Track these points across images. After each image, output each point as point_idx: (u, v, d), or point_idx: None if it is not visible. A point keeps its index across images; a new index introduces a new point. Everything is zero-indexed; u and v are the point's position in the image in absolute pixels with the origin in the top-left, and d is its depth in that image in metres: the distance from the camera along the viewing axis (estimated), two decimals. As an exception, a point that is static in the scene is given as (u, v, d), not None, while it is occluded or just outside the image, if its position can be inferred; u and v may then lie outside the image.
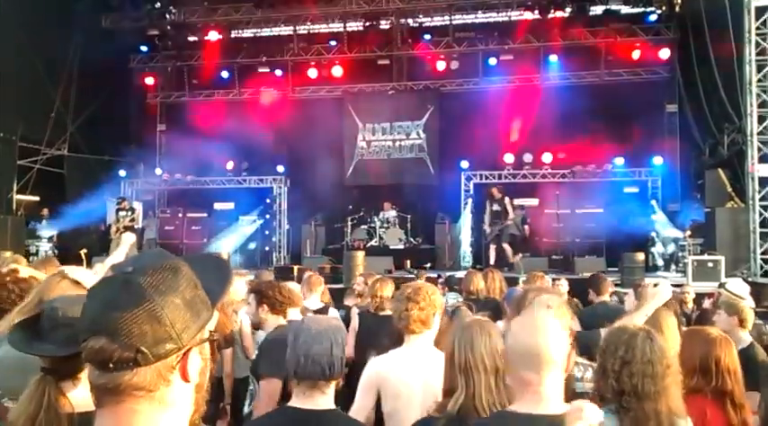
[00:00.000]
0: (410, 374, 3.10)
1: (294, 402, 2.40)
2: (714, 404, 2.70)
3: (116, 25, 18.05)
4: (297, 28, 18.93)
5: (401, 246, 16.14)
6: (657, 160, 16.69)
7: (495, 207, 14.72)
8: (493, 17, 18.48)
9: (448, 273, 12.17)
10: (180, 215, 17.52)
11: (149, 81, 19.88)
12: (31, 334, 1.81)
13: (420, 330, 3.22)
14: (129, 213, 15.45)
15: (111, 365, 1.08)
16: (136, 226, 16.35)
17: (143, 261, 1.17)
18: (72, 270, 2.39)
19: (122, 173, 18.46)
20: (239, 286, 5.54)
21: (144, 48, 19.46)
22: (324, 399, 2.38)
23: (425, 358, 3.19)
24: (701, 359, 2.83)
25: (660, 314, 4.18)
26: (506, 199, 14.70)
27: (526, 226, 15.00)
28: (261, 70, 19.11)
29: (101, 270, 8.93)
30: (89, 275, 2.41)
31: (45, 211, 15.74)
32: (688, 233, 13.55)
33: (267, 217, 18.09)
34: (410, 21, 18.53)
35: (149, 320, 1.08)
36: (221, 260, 1.37)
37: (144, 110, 20.10)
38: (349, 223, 16.81)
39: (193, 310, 1.14)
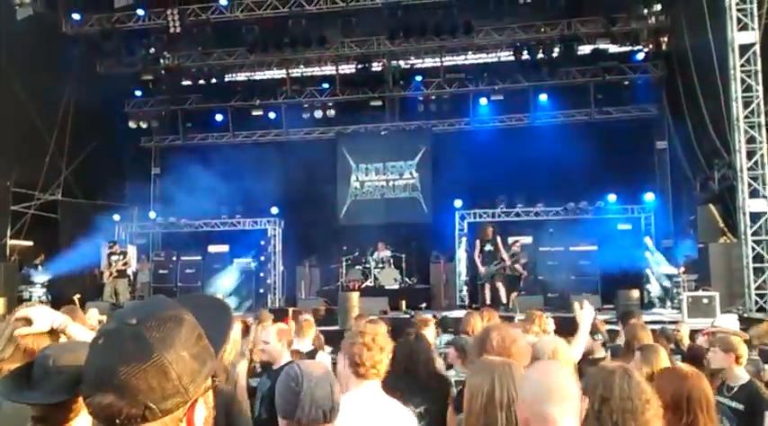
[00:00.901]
0: (362, 420, 3.06)
1: (290, 447, 2.38)
2: None
3: (110, 70, 18.27)
4: (290, 71, 19.17)
5: (396, 286, 16.10)
6: (649, 196, 16.79)
7: (488, 247, 14.76)
8: (482, 58, 18.77)
9: (443, 313, 12.14)
10: (174, 258, 17.49)
11: (143, 125, 20.02)
12: (21, 383, 1.81)
13: (373, 375, 3.17)
14: (121, 257, 15.43)
15: (118, 421, 1.07)
16: (129, 270, 16.34)
17: (146, 311, 1.15)
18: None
19: (116, 217, 18.46)
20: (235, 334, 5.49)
21: (138, 93, 19.69)
22: (321, 443, 2.37)
23: (377, 402, 3.15)
24: (672, 395, 2.81)
25: (653, 350, 4.20)
26: (498, 239, 14.76)
27: (518, 266, 14.95)
28: (254, 113, 19.30)
29: (94, 316, 8.84)
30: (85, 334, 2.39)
31: (40, 259, 15.71)
32: (682, 269, 13.57)
33: (262, 259, 18.06)
34: (402, 62, 18.80)
35: (157, 375, 1.07)
36: (222, 303, 1.34)
37: (138, 153, 20.21)
38: (343, 264, 16.79)
39: (199, 361, 1.13)
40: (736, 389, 4.30)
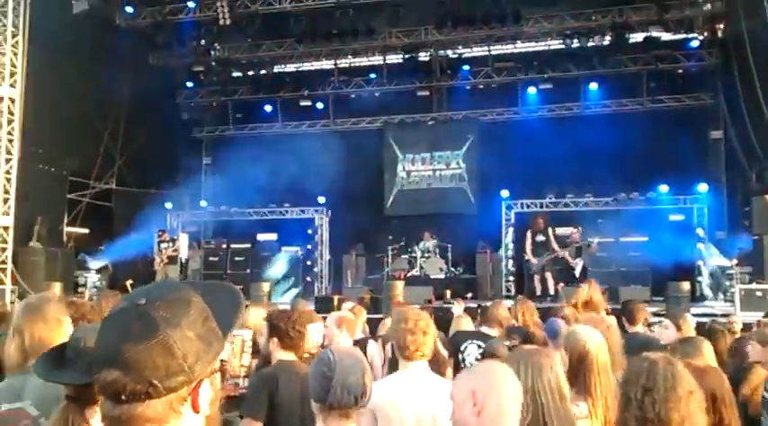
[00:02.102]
0: (402, 399, 3.15)
1: (320, 430, 2.45)
2: None
3: (162, 62, 18.66)
4: (337, 62, 19.27)
5: (442, 276, 16.08)
6: (703, 187, 16.36)
7: (540, 237, 14.63)
8: (531, 47, 18.52)
9: (488, 303, 12.09)
10: (224, 246, 17.78)
11: (195, 116, 20.41)
12: (55, 363, 1.88)
13: (418, 357, 3.32)
14: (171, 245, 15.81)
15: (123, 397, 1.10)
16: (181, 257, 16.72)
17: (155, 293, 1.18)
18: None
19: (168, 205, 18.86)
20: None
21: (190, 84, 20.04)
22: (351, 425, 2.43)
23: (422, 383, 3.27)
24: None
25: (698, 341, 4.12)
26: (549, 230, 14.62)
27: (569, 257, 14.71)
28: (303, 103, 19.46)
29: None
30: None
31: (101, 247, 16.24)
32: (735, 261, 13.21)
33: (309, 247, 18.26)
34: (449, 52, 18.71)
35: (162, 353, 1.10)
36: (232, 289, 1.37)
37: (190, 144, 20.60)
38: (389, 253, 16.85)
39: (205, 342, 1.15)
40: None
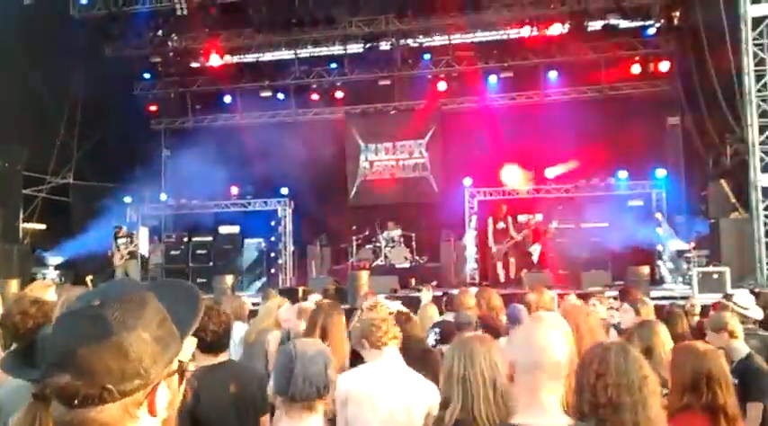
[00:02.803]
0: (373, 385, 3.16)
1: (283, 421, 2.42)
2: (705, 420, 2.64)
3: (119, 53, 18.27)
4: (298, 51, 19.11)
5: (407, 265, 16.14)
6: (660, 172, 16.65)
7: (501, 224, 14.76)
8: (491, 35, 18.59)
9: (454, 291, 12.16)
10: (185, 239, 17.57)
11: (153, 107, 20.07)
12: (23, 360, 1.83)
13: (389, 342, 3.38)
14: (128, 240, 15.57)
15: (76, 402, 1.06)
16: (142, 252, 16.48)
17: (110, 293, 1.14)
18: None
19: (127, 199, 18.54)
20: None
21: (147, 76, 19.68)
22: (315, 418, 2.42)
23: (395, 373, 3.31)
24: (691, 374, 2.79)
25: (654, 324, 4.20)
26: (509, 218, 14.76)
27: (536, 246, 14.89)
28: (263, 94, 19.26)
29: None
30: None
31: (59, 243, 15.92)
32: (693, 245, 13.50)
33: (272, 239, 18.14)
34: (410, 41, 18.67)
35: (116, 356, 1.06)
36: (191, 288, 1.32)
37: (148, 136, 20.26)
38: (354, 243, 16.84)
39: (162, 344, 1.11)
40: (735, 364, 4.30)
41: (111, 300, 1.11)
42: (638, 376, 2.35)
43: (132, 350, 1.07)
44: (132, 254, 15.52)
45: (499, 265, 14.80)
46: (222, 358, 3.59)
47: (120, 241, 15.52)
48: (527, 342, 2.05)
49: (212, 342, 3.53)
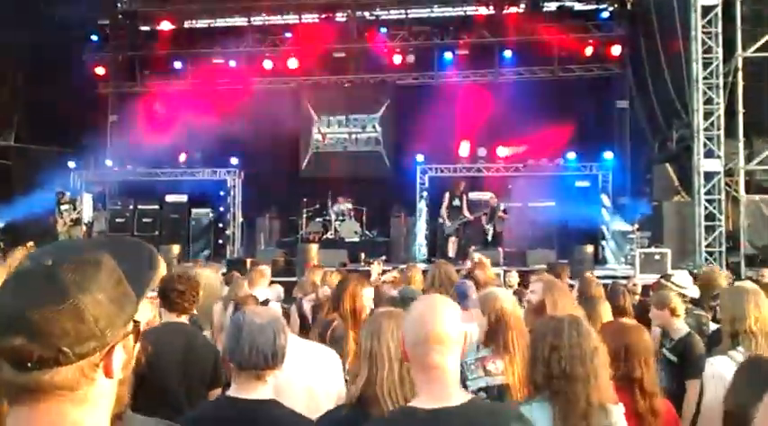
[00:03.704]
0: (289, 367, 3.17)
1: (234, 392, 2.40)
2: (619, 391, 2.71)
3: (65, 14, 17.53)
4: (252, 19, 18.75)
5: (356, 239, 16.14)
6: (608, 155, 16.98)
7: (456, 201, 14.80)
8: (448, 12, 18.58)
9: (403, 266, 12.23)
10: (131, 207, 17.23)
11: (100, 71, 19.45)
12: None
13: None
14: (71, 206, 15.19)
15: (29, 364, 1.02)
16: (85, 219, 16.09)
17: (63, 253, 1.11)
18: None
19: (71, 164, 18.03)
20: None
21: (94, 38, 19.05)
22: (265, 388, 2.40)
23: (307, 349, 3.37)
24: (612, 347, 2.86)
25: (595, 301, 4.33)
26: (464, 196, 14.83)
27: (491, 225, 15.01)
28: (215, 61, 18.88)
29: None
30: None
31: None
32: (636, 226, 13.84)
33: (221, 209, 17.91)
34: (366, 14, 18.51)
35: (72, 318, 1.03)
36: (148, 248, 1.29)
37: (94, 100, 19.64)
38: (304, 215, 16.75)
39: (117, 305, 1.09)
40: (675, 342, 4.43)
41: (65, 260, 1.08)
42: (590, 347, 2.41)
43: (88, 312, 1.04)
44: (76, 221, 15.16)
45: (450, 241, 14.88)
46: (184, 319, 3.63)
47: (63, 207, 15.14)
48: (416, 318, 1.99)
49: (174, 302, 3.63)
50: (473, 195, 15.63)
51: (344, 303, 4.07)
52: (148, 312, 1.25)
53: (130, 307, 1.12)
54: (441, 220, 15.19)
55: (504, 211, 14.78)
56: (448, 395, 1.89)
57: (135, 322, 1.15)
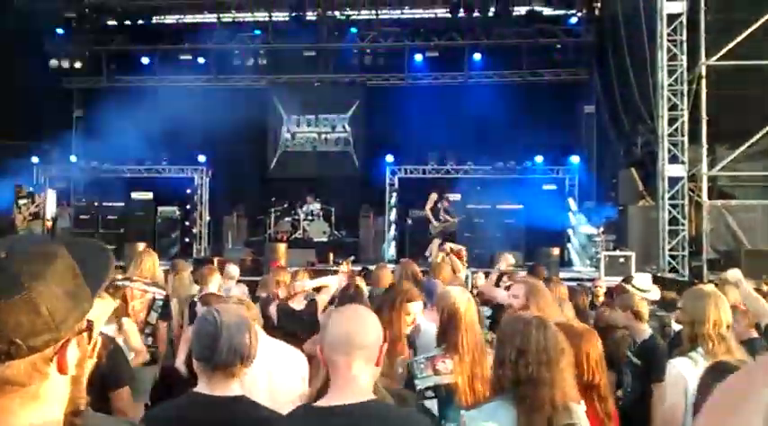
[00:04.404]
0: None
1: (204, 388, 2.38)
2: (586, 399, 2.77)
3: (30, 6, 17.23)
4: (221, 15, 18.58)
5: (325, 239, 16.12)
6: (575, 159, 17.22)
7: (440, 204, 14.70)
8: (419, 13, 18.64)
9: (371, 266, 12.23)
10: (96, 204, 16.95)
11: (65, 65, 19.08)
12: None
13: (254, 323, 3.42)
14: (30, 201, 14.90)
15: None
16: (48, 215, 15.79)
17: (19, 246, 1.09)
18: None
19: (35, 159, 17.71)
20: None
21: (60, 31, 18.69)
22: (236, 385, 2.40)
23: (270, 346, 3.38)
24: (573, 355, 2.90)
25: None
26: (447, 200, 14.69)
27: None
28: (183, 57, 18.67)
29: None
30: None
31: None
32: (601, 229, 14.04)
33: (187, 207, 17.72)
34: (336, 13, 18.46)
35: (26, 310, 1.01)
36: (103, 247, 1.27)
37: (59, 95, 19.29)
38: (272, 215, 16.66)
39: (73, 299, 1.07)
40: (638, 345, 4.50)
41: (20, 252, 1.06)
42: (557, 350, 2.43)
43: (43, 305, 1.03)
44: (35, 216, 14.87)
45: (435, 242, 14.61)
46: None
47: (21, 201, 14.86)
48: (331, 327, 2.10)
49: None
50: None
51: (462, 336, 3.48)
52: (103, 314, 1.22)
53: (86, 303, 1.11)
54: (428, 220, 14.79)
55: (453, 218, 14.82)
56: (351, 395, 1.99)
57: (89, 321, 1.13)
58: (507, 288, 5.37)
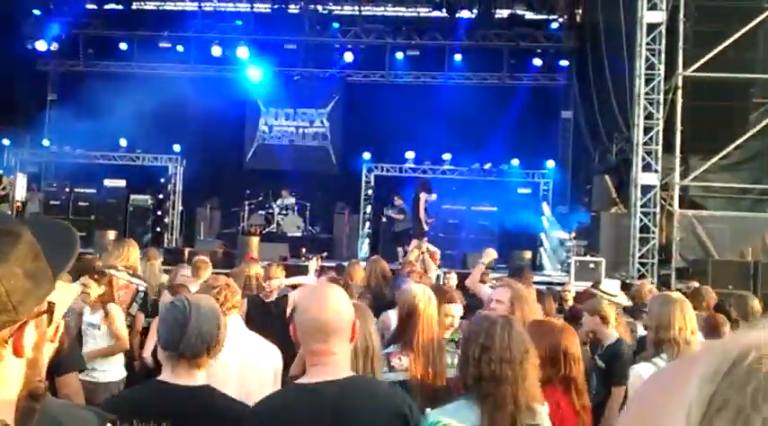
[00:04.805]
0: (226, 353, 3.19)
1: (167, 377, 2.35)
2: (564, 393, 2.82)
3: (7, -16, 16.96)
4: (202, 4, 18.42)
5: (299, 234, 16.06)
6: (550, 163, 17.34)
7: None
8: (401, 12, 18.64)
9: (345, 263, 12.21)
10: (67, 189, 16.71)
11: (41, 47, 18.76)
12: None
13: (233, 311, 3.44)
14: None
15: None
16: (18, 199, 15.54)
17: None
18: None
19: (6, 141, 17.42)
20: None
21: (36, 12, 18.37)
22: (201, 375, 2.37)
23: (239, 335, 3.36)
24: (549, 349, 2.93)
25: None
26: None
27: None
28: (162, 44, 18.46)
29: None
30: None
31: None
32: (573, 235, 14.14)
33: (160, 196, 17.53)
34: (319, 7, 18.38)
35: None
36: (67, 229, 1.24)
37: (34, 77, 18.96)
38: (246, 207, 16.55)
39: (33, 280, 1.04)
40: (604, 349, 4.54)
41: None
42: (521, 350, 2.44)
43: (1, 284, 1.00)
44: (3, 198, 14.63)
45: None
46: None
47: None
48: (302, 308, 2.16)
49: None
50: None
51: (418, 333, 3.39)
52: (67, 298, 1.18)
53: (46, 285, 1.08)
54: (422, 222, 14.54)
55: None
56: (333, 373, 2.05)
57: (50, 303, 1.10)
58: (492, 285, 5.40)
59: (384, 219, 15.70)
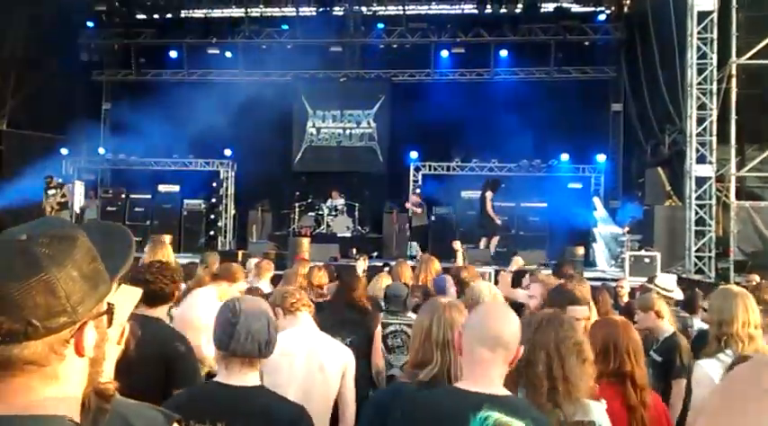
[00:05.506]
0: (291, 348, 3.24)
1: (222, 378, 2.41)
2: (612, 386, 2.78)
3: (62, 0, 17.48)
4: (249, 10, 18.69)
5: (348, 234, 16.15)
6: (601, 157, 17.06)
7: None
8: (446, 9, 18.59)
9: (394, 262, 12.25)
10: (123, 196, 17.18)
11: (95, 58, 19.34)
12: None
13: (305, 309, 3.55)
14: (58, 191, 15.16)
15: None
16: (76, 206, 16.04)
17: (38, 229, 1.11)
18: None
19: (64, 151, 17.97)
20: None
21: (90, 24, 18.93)
22: (254, 375, 2.43)
23: (308, 334, 3.47)
24: (601, 342, 2.90)
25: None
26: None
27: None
28: (210, 51, 18.81)
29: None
30: None
31: None
32: (627, 229, 13.90)
33: (213, 201, 17.87)
34: (364, 8, 18.47)
35: (43, 292, 1.03)
36: (123, 231, 1.29)
37: (89, 87, 19.56)
38: (296, 209, 16.73)
39: (90, 283, 1.09)
40: (660, 343, 4.47)
41: (39, 235, 1.08)
42: (572, 345, 2.42)
43: (60, 287, 1.04)
44: (62, 205, 15.13)
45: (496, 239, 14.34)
46: (155, 313, 3.32)
47: (50, 192, 15.14)
48: (478, 320, 2.20)
49: (147, 293, 3.29)
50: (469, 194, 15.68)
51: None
52: (129, 300, 1.20)
53: (104, 287, 1.12)
54: (492, 216, 14.37)
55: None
56: (488, 386, 2.09)
57: (109, 304, 1.15)
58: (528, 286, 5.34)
59: (409, 213, 15.68)
